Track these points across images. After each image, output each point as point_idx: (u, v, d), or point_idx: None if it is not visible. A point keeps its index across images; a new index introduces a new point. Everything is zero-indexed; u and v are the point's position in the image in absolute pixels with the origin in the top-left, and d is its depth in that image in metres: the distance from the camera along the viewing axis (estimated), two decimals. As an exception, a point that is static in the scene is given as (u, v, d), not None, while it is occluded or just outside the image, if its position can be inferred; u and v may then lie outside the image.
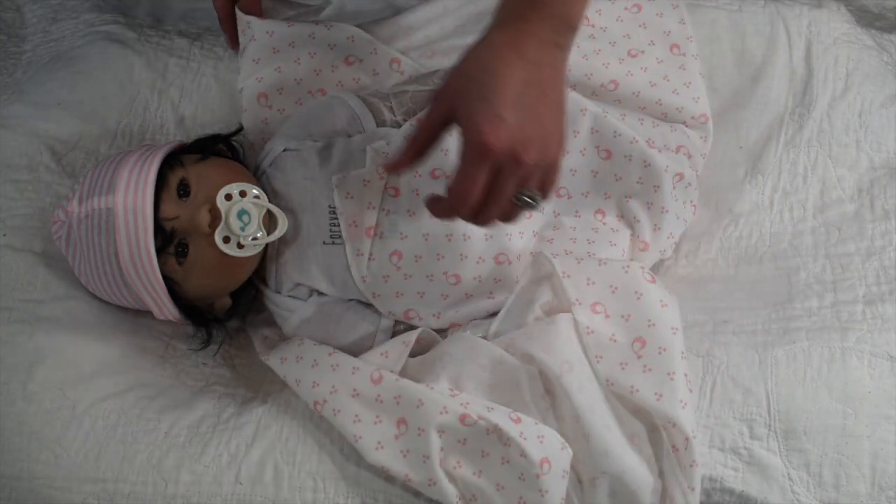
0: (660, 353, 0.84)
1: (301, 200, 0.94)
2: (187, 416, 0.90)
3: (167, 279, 0.91)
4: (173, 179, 0.91)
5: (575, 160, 0.96)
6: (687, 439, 0.82)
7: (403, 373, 0.89)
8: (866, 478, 0.85)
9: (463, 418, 0.82)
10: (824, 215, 1.01)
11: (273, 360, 0.92)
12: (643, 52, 1.01)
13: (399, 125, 0.96)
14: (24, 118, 1.04)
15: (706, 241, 1.03)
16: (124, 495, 0.85)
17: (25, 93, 1.08)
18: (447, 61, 1.00)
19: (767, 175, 1.03)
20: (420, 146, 0.79)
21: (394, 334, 0.94)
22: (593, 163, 0.96)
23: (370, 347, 0.92)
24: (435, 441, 0.82)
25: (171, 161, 0.92)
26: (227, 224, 0.89)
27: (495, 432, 0.82)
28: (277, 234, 0.92)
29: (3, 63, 1.14)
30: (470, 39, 0.78)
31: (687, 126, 1.01)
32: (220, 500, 0.85)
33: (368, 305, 0.95)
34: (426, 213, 0.90)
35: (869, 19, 1.14)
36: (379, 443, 0.84)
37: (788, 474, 0.85)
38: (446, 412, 0.82)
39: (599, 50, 1.01)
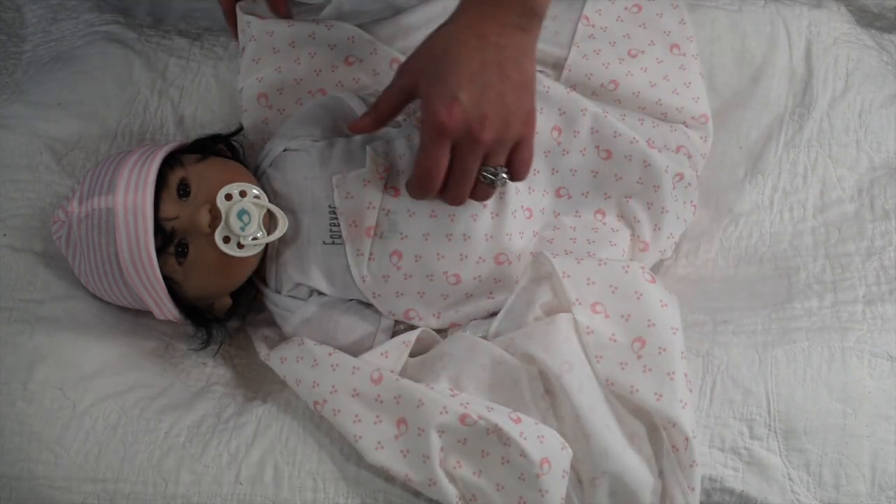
0: (660, 353, 0.84)
1: (301, 200, 0.94)
2: (187, 416, 0.90)
3: (167, 279, 0.91)
4: (173, 179, 0.91)
5: (575, 160, 0.96)
6: (687, 439, 0.82)
7: (403, 373, 0.89)
8: (866, 478, 0.85)
9: (463, 418, 0.82)
10: (824, 215, 1.01)
11: (273, 360, 0.92)
12: (643, 52, 1.01)
13: (399, 125, 0.96)
14: (24, 118, 1.04)
15: (706, 241, 1.03)
16: (124, 495, 0.85)
17: (25, 93, 1.08)
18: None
19: (767, 175, 1.03)
20: (381, 113, 0.86)
21: (394, 334, 0.94)
22: (593, 163, 0.96)
23: (370, 347, 0.92)
24: (435, 441, 0.82)
25: (171, 161, 0.92)
26: (227, 224, 0.89)
27: (495, 432, 0.82)
28: (277, 234, 0.92)
29: (3, 63, 1.14)
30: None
31: (687, 126, 1.01)
32: (220, 500, 0.85)
33: (368, 305, 0.95)
34: (426, 213, 0.90)
35: (869, 19, 1.14)
36: (379, 443, 0.84)
37: (788, 474, 0.85)
38: (446, 412, 0.82)
39: (599, 50, 1.01)
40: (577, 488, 0.84)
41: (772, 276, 0.99)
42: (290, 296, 0.96)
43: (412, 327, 0.94)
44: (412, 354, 0.91)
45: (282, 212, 0.92)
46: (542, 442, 0.82)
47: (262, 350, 0.96)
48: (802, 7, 1.07)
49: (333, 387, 0.87)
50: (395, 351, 0.90)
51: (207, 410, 0.91)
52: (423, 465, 0.82)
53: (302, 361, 0.90)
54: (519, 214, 0.93)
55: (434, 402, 0.83)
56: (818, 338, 0.89)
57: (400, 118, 0.98)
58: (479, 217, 0.91)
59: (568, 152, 0.95)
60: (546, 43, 1.02)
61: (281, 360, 0.91)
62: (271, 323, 1.00)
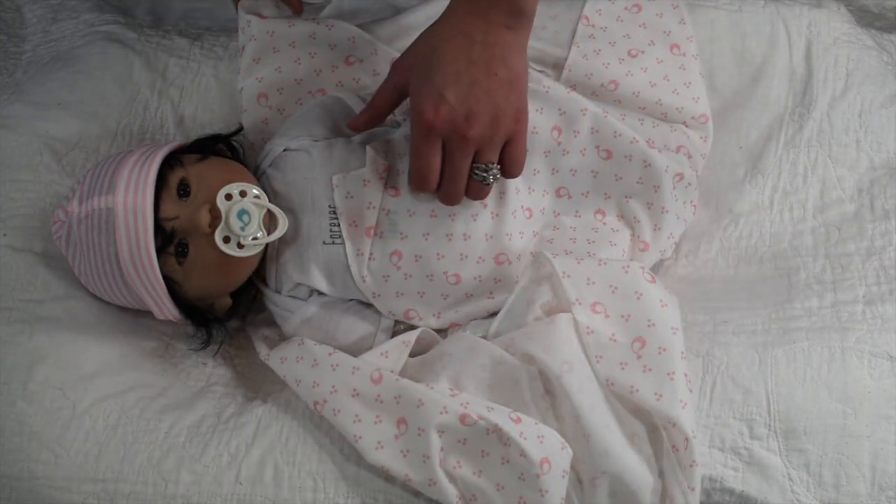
0: (660, 353, 0.84)
1: (301, 200, 0.94)
2: (187, 416, 0.90)
3: (167, 279, 0.91)
4: (173, 179, 0.91)
5: (575, 160, 0.96)
6: (687, 439, 0.82)
7: (403, 373, 0.89)
8: (866, 478, 0.85)
9: (463, 418, 0.82)
10: (824, 215, 1.01)
11: (273, 360, 0.92)
12: (643, 52, 1.01)
13: (399, 125, 0.96)
14: (24, 118, 1.05)
15: (706, 241, 1.03)
16: (124, 495, 0.85)
17: (25, 93, 1.08)
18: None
19: (767, 175, 1.03)
20: (376, 110, 0.89)
21: (394, 334, 0.94)
22: (594, 163, 0.96)
23: (370, 347, 0.92)
24: (435, 441, 0.82)
25: (171, 161, 0.92)
26: (227, 224, 0.89)
27: (495, 432, 0.82)
28: (277, 234, 0.92)
29: (3, 63, 1.14)
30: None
31: (687, 126, 1.01)
32: (220, 500, 0.85)
33: (368, 305, 0.95)
34: (426, 213, 0.90)
35: (869, 19, 1.14)
36: (379, 443, 0.84)
37: (788, 474, 0.85)
38: (446, 412, 0.82)
39: (599, 50, 1.01)
40: (577, 488, 0.84)
41: (772, 276, 0.99)
42: (290, 296, 0.96)
43: (412, 327, 0.94)
44: (412, 354, 0.91)
45: (282, 212, 0.92)
46: (542, 442, 0.82)
47: (262, 350, 0.96)
48: (802, 7, 1.07)
49: (333, 387, 0.87)
50: (395, 351, 0.90)
51: (207, 410, 0.91)
52: (423, 465, 0.82)
53: (302, 361, 0.90)
54: (519, 214, 0.93)
55: (434, 402, 0.83)
56: (818, 338, 0.89)
57: (399, 118, 0.98)
58: (479, 217, 0.91)
59: (568, 152, 0.95)
60: (546, 43, 1.02)
61: (281, 360, 0.91)
62: (271, 323, 1.00)
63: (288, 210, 0.93)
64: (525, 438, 0.81)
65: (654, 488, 0.83)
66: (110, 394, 0.90)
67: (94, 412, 0.88)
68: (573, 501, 0.84)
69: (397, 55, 1.01)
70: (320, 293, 0.95)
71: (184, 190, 0.91)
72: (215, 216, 0.89)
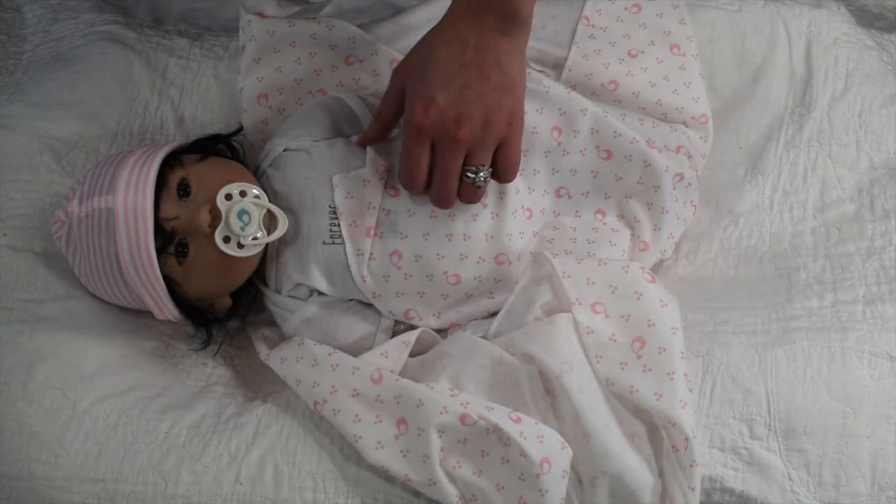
0: (660, 353, 0.84)
1: (301, 200, 0.94)
2: (187, 416, 0.90)
3: (167, 279, 0.91)
4: (173, 179, 0.91)
5: (575, 160, 0.96)
6: (687, 439, 0.82)
7: (403, 373, 0.89)
8: (866, 478, 0.85)
9: (463, 418, 0.82)
10: (824, 215, 1.01)
11: (273, 360, 0.92)
12: (643, 52, 1.01)
13: (399, 125, 0.96)
14: (24, 118, 1.05)
15: (706, 241, 1.03)
16: (124, 495, 0.85)
17: (25, 93, 1.08)
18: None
19: (767, 175, 1.03)
20: (384, 119, 0.90)
21: (394, 334, 0.94)
22: (594, 163, 0.96)
23: (370, 347, 0.92)
24: (435, 441, 0.82)
25: (172, 161, 0.92)
26: (227, 224, 0.89)
27: (495, 432, 0.82)
28: (278, 234, 0.92)
29: (3, 63, 1.14)
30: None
31: (687, 126, 1.01)
32: (220, 500, 0.85)
33: (368, 305, 0.95)
34: (426, 213, 0.91)
35: (869, 19, 1.14)
36: (379, 443, 0.84)
37: (788, 474, 0.85)
38: (446, 412, 0.82)
39: (599, 50, 1.01)
40: (577, 488, 0.84)
41: (772, 276, 0.99)
42: (290, 296, 0.96)
43: (412, 327, 0.94)
44: (412, 354, 0.91)
45: (282, 212, 0.92)
46: (542, 442, 0.82)
47: (262, 350, 0.96)
48: (802, 7, 1.07)
49: (333, 387, 0.87)
50: (395, 351, 0.90)
51: (207, 410, 0.91)
52: (423, 465, 0.82)
53: (302, 361, 0.90)
54: (519, 214, 0.93)
55: (434, 401, 0.83)
56: (818, 338, 0.89)
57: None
58: (479, 217, 0.91)
59: (568, 152, 0.95)
60: (546, 43, 1.02)
61: (281, 360, 0.91)
62: (271, 323, 1.00)
63: (288, 210, 0.93)
64: (525, 438, 0.81)
65: (654, 488, 0.83)
66: (110, 394, 0.90)
67: (94, 412, 0.88)
68: (573, 501, 0.84)
69: (397, 55, 1.02)
70: (320, 293, 0.95)
71: (184, 190, 0.91)
72: (215, 216, 0.89)
